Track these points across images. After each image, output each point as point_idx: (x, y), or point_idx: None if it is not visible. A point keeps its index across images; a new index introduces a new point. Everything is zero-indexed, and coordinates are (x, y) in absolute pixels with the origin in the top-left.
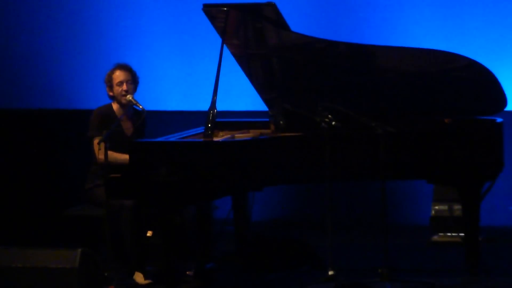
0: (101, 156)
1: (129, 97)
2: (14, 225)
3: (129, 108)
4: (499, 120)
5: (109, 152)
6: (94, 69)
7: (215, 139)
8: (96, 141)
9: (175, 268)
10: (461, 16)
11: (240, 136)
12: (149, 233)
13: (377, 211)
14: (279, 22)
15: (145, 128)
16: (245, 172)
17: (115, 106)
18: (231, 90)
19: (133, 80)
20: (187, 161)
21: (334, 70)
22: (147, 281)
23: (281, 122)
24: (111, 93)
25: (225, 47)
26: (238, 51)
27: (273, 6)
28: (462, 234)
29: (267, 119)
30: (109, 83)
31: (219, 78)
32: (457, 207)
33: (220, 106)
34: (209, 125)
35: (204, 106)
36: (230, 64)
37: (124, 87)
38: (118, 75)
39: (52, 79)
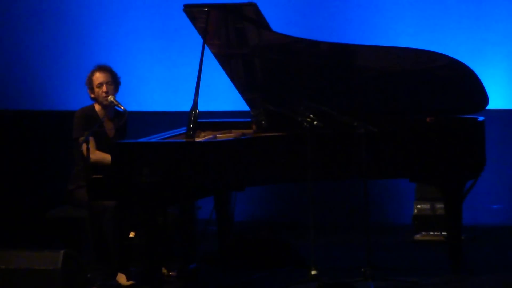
0: (92, 156)
1: (110, 97)
2: None
3: (111, 109)
4: (480, 118)
5: (98, 153)
6: (76, 71)
7: (197, 139)
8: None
9: (158, 268)
10: (442, 15)
11: (222, 136)
12: (131, 234)
13: (360, 210)
14: (260, 22)
15: (126, 129)
16: (227, 172)
17: (97, 107)
18: (213, 91)
19: (113, 81)
20: (169, 161)
21: (316, 69)
22: (130, 282)
23: (263, 122)
24: (92, 95)
25: (206, 48)
26: (220, 51)
27: (254, 6)
28: (445, 233)
29: (249, 119)
30: (90, 85)
31: (200, 78)
32: (439, 205)
33: (202, 107)
34: (191, 126)
35: (186, 106)
36: (212, 65)
37: (104, 88)
38: (98, 77)
39: (34, 81)
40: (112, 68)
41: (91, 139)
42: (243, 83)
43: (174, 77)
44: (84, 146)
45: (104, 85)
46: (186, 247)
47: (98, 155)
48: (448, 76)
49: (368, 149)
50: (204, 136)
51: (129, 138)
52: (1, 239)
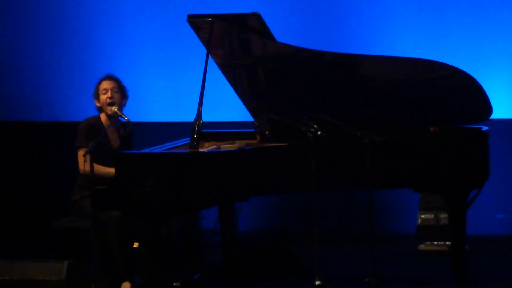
0: (85, 167)
1: (114, 108)
2: (1, 237)
3: (117, 120)
4: (484, 128)
5: (94, 165)
6: (80, 81)
7: (201, 150)
8: (81, 152)
9: (162, 279)
10: (446, 25)
11: (225, 146)
12: (135, 245)
13: (364, 220)
14: (264, 32)
15: (131, 140)
16: (231, 182)
17: (103, 117)
18: (217, 101)
19: (119, 90)
20: (173, 172)
21: (320, 79)
22: None
23: (267, 132)
24: (98, 104)
25: (210, 58)
26: (223, 61)
27: (257, 17)
28: (449, 243)
29: (253, 130)
30: (96, 94)
31: (204, 89)
32: (443, 215)
33: (206, 117)
34: (195, 136)
35: (190, 117)
36: (216, 75)
37: (109, 94)
38: (103, 84)
39: (38, 91)
40: (119, 78)
41: None
42: (247, 93)
43: (177, 88)
44: (81, 157)
45: (109, 90)
46: (190, 257)
47: (95, 168)
48: (452, 85)
49: (372, 159)
50: (208, 146)
51: (133, 149)
52: (6, 250)
